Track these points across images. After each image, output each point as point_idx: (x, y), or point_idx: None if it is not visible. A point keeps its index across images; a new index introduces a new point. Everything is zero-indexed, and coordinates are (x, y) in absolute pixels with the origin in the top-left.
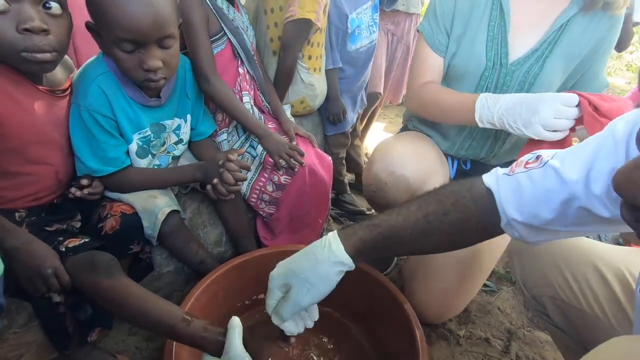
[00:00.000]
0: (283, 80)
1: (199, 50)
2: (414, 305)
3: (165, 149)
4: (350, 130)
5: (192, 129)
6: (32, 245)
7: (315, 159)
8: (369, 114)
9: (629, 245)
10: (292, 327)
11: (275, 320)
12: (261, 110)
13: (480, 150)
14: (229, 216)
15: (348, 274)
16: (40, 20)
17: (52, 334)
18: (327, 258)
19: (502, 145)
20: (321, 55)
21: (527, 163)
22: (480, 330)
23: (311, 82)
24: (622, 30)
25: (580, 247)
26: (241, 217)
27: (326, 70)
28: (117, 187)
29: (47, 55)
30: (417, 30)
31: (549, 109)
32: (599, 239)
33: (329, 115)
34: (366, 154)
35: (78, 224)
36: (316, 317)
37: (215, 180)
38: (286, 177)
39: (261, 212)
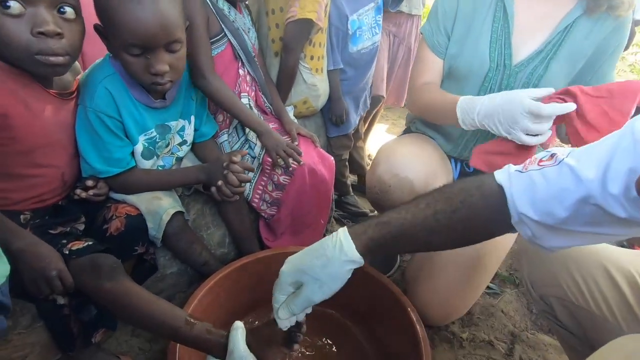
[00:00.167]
0: (285, 81)
1: (197, 49)
2: (417, 307)
3: (169, 150)
4: (353, 132)
5: (195, 131)
6: (37, 248)
7: (317, 159)
8: (370, 116)
9: (633, 248)
10: (289, 321)
11: (282, 314)
12: (263, 111)
13: None
14: (232, 218)
15: (352, 276)
16: (55, 24)
17: (57, 335)
18: (338, 257)
19: None
20: (323, 55)
21: (540, 161)
22: (483, 333)
23: (313, 82)
24: None
25: (589, 249)
26: (244, 219)
27: (328, 71)
28: (122, 188)
29: (60, 59)
30: (420, 33)
31: (527, 120)
32: None
33: (331, 116)
34: (369, 156)
35: (82, 227)
36: (309, 310)
37: (220, 182)
38: (285, 177)
39: (263, 214)
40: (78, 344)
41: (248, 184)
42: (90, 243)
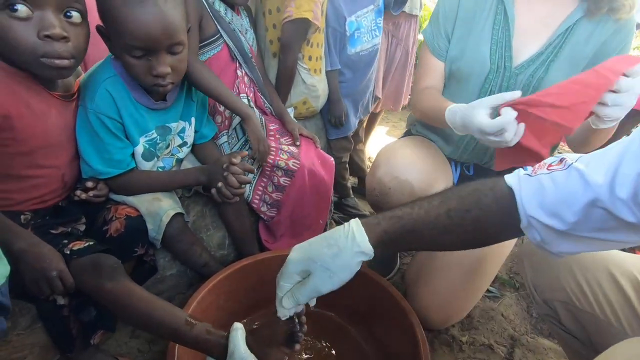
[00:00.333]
0: (284, 81)
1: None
2: (416, 310)
3: (170, 152)
4: (352, 134)
5: (195, 132)
6: (38, 248)
7: (317, 160)
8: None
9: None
10: (291, 311)
11: (287, 303)
12: (263, 112)
13: (484, 154)
14: (232, 219)
15: (351, 278)
16: (61, 28)
17: (56, 336)
18: (350, 247)
19: None
20: (321, 56)
21: (549, 165)
22: (483, 336)
23: (313, 83)
24: None
25: (593, 252)
26: (244, 220)
27: (326, 72)
28: (122, 189)
29: (65, 62)
30: (422, 35)
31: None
32: None
33: (330, 117)
34: (369, 159)
35: (82, 227)
36: (314, 302)
37: (220, 184)
38: (285, 178)
39: (263, 215)
40: (77, 345)
41: (248, 186)
42: (91, 243)
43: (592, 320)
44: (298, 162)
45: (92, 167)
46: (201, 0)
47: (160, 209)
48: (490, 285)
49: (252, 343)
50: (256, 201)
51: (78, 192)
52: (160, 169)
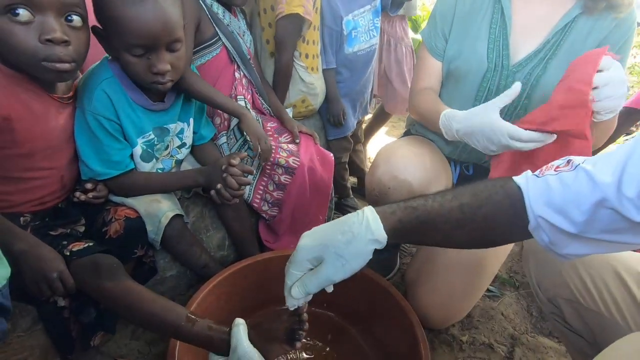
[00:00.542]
0: (281, 80)
1: None
2: (416, 310)
3: (169, 153)
4: (351, 134)
5: (194, 133)
6: (39, 249)
7: (316, 156)
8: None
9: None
10: (300, 301)
11: (296, 293)
12: (261, 113)
13: (483, 154)
14: (232, 220)
15: (351, 278)
16: (62, 32)
17: (56, 338)
18: (364, 235)
19: None
20: (318, 54)
21: (557, 167)
22: (483, 335)
23: (311, 81)
24: None
25: None
26: (244, 221)
27: (323, 71)
28: (121, 190)
29: (66, 65)
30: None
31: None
32: None
33: (329, 116)
34: (369, 159)
35: (82, 228)
36: (331, 288)
37: (219, 186)
38: (286, 176)
39: (264, 215)
40: (77, 346)
41: (248, 186)
42: (90, 244)
43: (597, 319)
44: (298, 159)
45: (90, 168)
46: (199, 2)
47: (159, 210)
48: (490, 285)
49: (254, 338)
50: (257, 201)
51: (77, 194)
52: (159, 170)
